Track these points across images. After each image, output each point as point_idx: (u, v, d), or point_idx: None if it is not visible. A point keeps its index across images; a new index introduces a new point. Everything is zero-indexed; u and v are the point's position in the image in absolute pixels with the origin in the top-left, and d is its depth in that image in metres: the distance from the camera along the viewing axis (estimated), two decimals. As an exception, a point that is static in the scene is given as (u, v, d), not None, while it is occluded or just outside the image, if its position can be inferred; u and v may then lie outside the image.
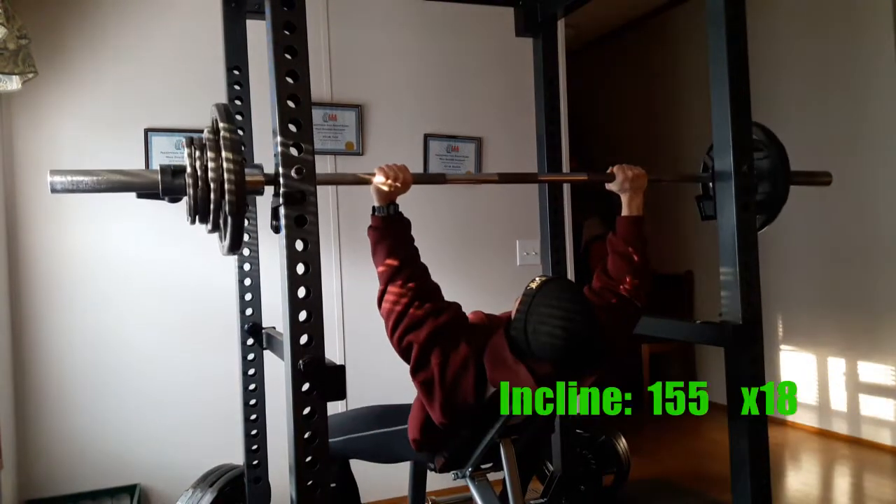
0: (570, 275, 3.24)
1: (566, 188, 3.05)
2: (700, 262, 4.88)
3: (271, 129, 1.32)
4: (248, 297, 2.22)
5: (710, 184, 2.00)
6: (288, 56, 1.31)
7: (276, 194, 1.32)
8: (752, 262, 1.76)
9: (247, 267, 2.21)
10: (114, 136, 2.77)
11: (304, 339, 1.31)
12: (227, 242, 1.32)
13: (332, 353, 2.97)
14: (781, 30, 4.20)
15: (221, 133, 1.28)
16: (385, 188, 1.62)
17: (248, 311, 2.23)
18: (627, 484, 2.79)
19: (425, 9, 3.27)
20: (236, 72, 2.20)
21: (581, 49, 5.64)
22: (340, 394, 1.33)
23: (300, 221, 1.30)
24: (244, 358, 2.23)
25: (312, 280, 1.32)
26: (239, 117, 2.22)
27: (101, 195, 2.72)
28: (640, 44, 5.42)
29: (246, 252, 2.22)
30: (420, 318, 1.60)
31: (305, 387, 1.31)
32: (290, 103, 1.31)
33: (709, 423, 4.44)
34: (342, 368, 1.33)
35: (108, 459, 2.73)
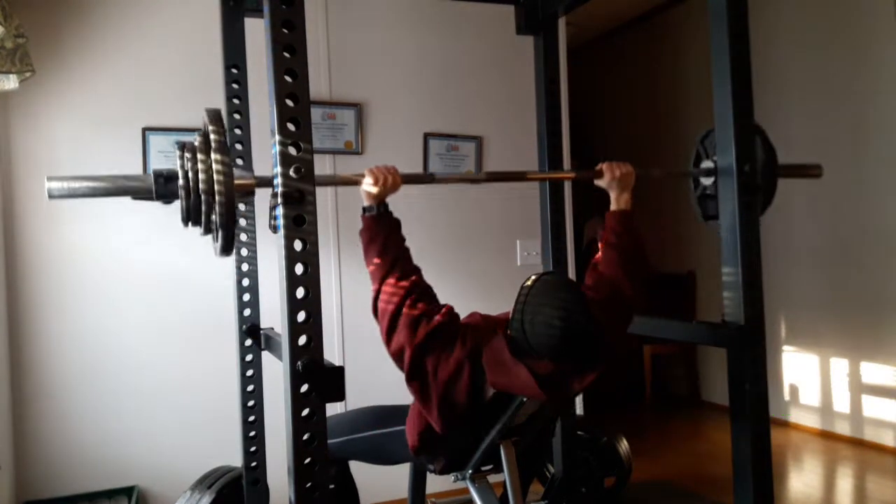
0: (572, 275, 3.23)
1: (567, 188, 3.04)
2: (702, 262, 4.87)
3: (270, 127, 1.31)
4: (246, 297, 2.21)
5: (700, 179, 2.00)
6: (286, 54, 1.30)
7: (274, 194, 1.31)
8: (755, 262, 1.75)
9: (245, 267, 2.20)
10: (111, 135, 2.76)
11: (302, 339, 1.30)
12: (219, 244, 1.34)
13: (331, 354, 2.96)
14: (783, 28, 4.19)
15: (211, 138, 1.30)
16: (374, 190, 1.63)
17: (247, 312, 2.22)
18: (629, 486, 2.78)
19: (425, 7, 3.26)
20: (235, 70, 2.19)
21: (582, 47, 5.63)
22: (339, 395, 1.32)
23: (299, 221, 1.29)
24: (242, 359, 2.21)
25: (311, 280, 1.30)
26: (237, 116, 2.21)
27: (99, 195, 2.73)
28: (642, 42, 5.41)
29: (244, 252, 2.20)
30: (414, 319, 1.59)
31: (304, 388, 1.29)
32: (289, 102, 1.30)
33: (711, 425, 4.44)
34: (341, 369, 1.32)
35: (105, 461, 2.72)
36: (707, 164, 1.99)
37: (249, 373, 2.21)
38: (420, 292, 1.63)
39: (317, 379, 1.30)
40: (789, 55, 4.15)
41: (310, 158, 1.31)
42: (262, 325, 2.23)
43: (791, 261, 4.13)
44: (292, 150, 1.29)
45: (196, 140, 1.33)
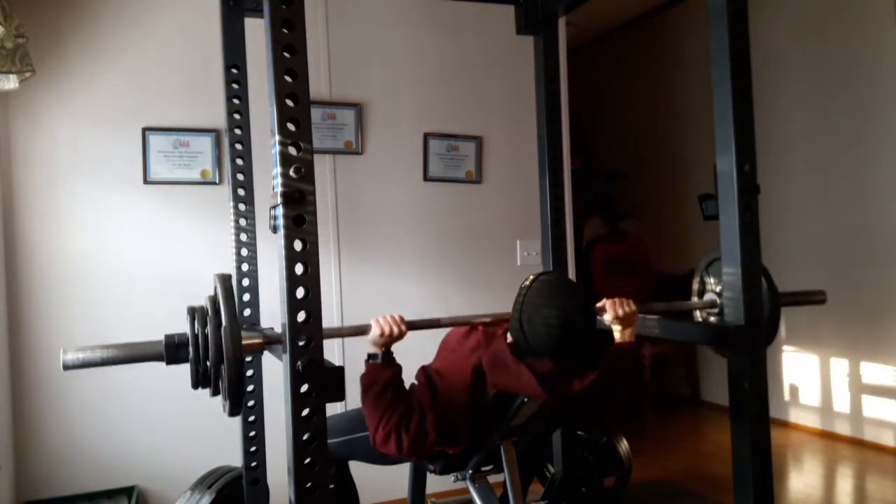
0: (572, 275, 3.23)
1: (567, 188, 3.04)
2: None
3: (269, 127, 1.31)
4: (246, 297, 2.21)
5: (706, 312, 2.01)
6: (286, 54, 1.30)
7: (274, 194, 1.31)
8: (755, 262, 1.75)
9: (245, 267, 2.20)
10: (112, 135, 2.76)
11: (302, 339, 1.30)
12: (227, 406, 1.41)
13: (331, 354, 2.95)
14: (783, 28, 4.19)
15: (221, 307, 1.37)
16: (380, 340, 1.67)
17: (247, 312, 2.22)
18: (629, 486, 2.78)
19: (425, 7, 3.26)
20: (235, 70, 2.19)
21: (583, 47, 5.62)
22: (339, 395, 1.33)
23: (299, 221, 1.29)
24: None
25: (311, 280, 1.30)
26: (237, 116, 2.21)
27: (98, 189, 2.73)
28: (642, 42, 5.41)
29: (244, 252, 2.21)
30: (417, 431, 1.64)
31: (304, 388, 1.30)
32: (289, 102, 1.30)
33: (711, 425, 4.43)
34: (341, 369, 1.33)
35: (105, 461, 2.72)
36: (710, 297, 1.99)
37: (249, 373, 2.22)
38: (407, 414, 1.66)
39: (317, 379, 1.30)
40: (789, 52, 4.15)
41: (310, 158, 1.31)
42: (263, 325, 2.23)
43: (791, 261, 4.13)
44: (292, 150, 1.30)
45: (206, 304, 1.42)
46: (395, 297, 3.09)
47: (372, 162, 3.16)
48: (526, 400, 1.68)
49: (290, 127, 1.29)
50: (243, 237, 2.21)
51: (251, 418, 2.21)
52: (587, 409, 1.86)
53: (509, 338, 1.71)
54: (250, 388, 2.21)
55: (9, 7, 2.09)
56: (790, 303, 2.05)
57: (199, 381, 1.41)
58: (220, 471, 2.34)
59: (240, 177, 2.23)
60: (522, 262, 3.41)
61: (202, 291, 2.88)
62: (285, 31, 1.30)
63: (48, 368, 2.67)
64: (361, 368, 1.68)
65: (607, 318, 1.84)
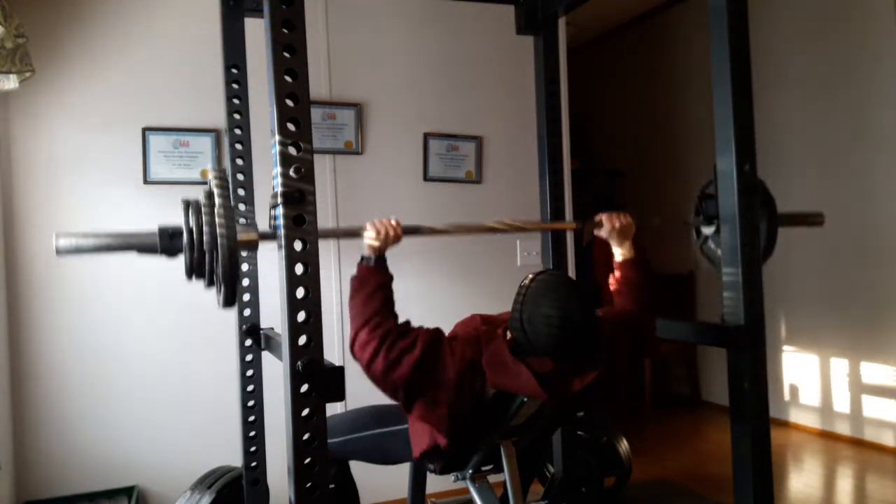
0: (572, 275, 3.23)
1: (567, 189, 3.04)
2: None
3: (269, 127, 1.30)
4: (246, 297, 2.21)
5: (701, 228, 2.00)
6: (286, 54, 1.30)
7: (274, 194, 1.31)
8: (755, 262, 1.74)
9: (245, 267, 2.20)
10: (111, 135, 2.76)
11: (302, 339, 1.30)
12: (221, 298, 1.38)
13: (331, 354, 2.95)
14: (783, 28, 4.19)
15: (216, 199, 1.34)
16: (375, 242, 1.65)
17: (247, 312, 2.22)
18: (629, 486, 2.78)
19: (425, 6, 3.26)
20: (235, 70, 2.19)
21: (583, 47, 5.62)
22: (339, 395, 1.32)
23: (299, 221, 1.29)
24: (242, 359, 2.21)
25: (311, 280, 1.30)
26: (237, 116, 2.21)
27: (98, 189, 2.73)
28: (642, 42, 5.41)
29: (244, 252, 2.20)
30: (395, 359, 1.60)
31: (304, 388, 1.29)
32: (289, 102, 1.29)
33: (711, 425, 4.43)
34: (341, 369, 1.32)
35: (105, 461, 2.72)
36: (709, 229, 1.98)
37: (249, 373, 2.22)
38: (397, 335, 1.63)
39: (317, 379, 1.30)
40: (788, 50, 4.15)
41: (310, 158, 1.31)
42: (262, 326, 2.23)
43: (791, 260, 4.13)
44: (292, 150, 1.29)
45: (201, 198, 1.38)
46: (395, 296, 3.08)
47: (372, 162, 3.16)
48: (526, 400, 1.68)
49: (290, 127, 1.29)
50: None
51: (251, 418, 2.21)
52: (587, 408, 1.86)
53: (509, 335, 1.71)
54: (250, 388, 2.21)
55: (9, 7, 2.09)
56: (788, 223, 2.04)
57: (192, 269, 1.37)
58: (220, 471, 2.34)
59: (240, 177, 2.23)
60: (522, 262, 3.41)
61: (201, 292, 2.89)
62: (285, 31, 1.30)
63: (48, 369, 2.67)
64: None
65: (604, 232, 1.89)
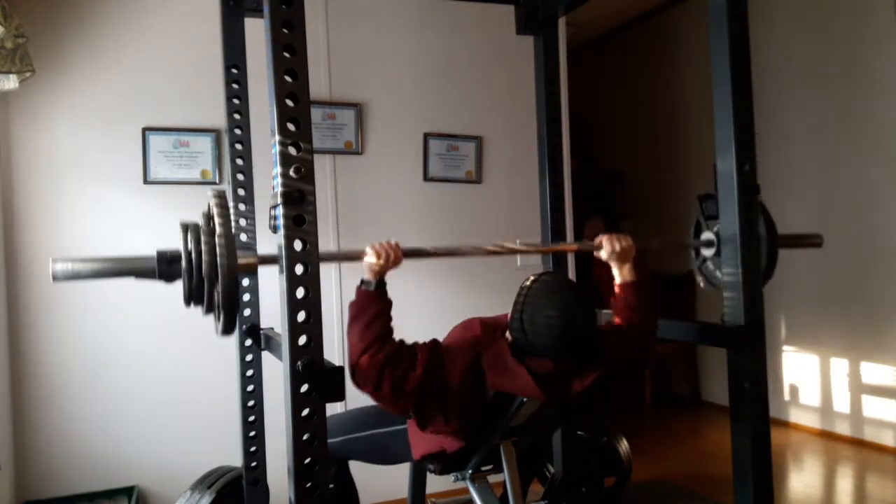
0: (572, 275, 3.23)
1: (567, 189, 3.04)
2: (701, 262, 4.86)
3: (269, 127, 1.30)
4: (246, 297, 2.21)
5: (700, 250, 2.00)
6: (286, 54, 1.30)
7: (274, 194, 1.31)
8: (755, 262, 1.74)
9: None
10: (111, 136, 2.76)
11: (302, 339, 1.30)
12: (220, 325, 1.37)
13: (331, 354, 2.95)
14: (783, 28, 4.19)
15: (216, 225, 1.31)
16: (375, 266, 1.65)
17: (247, 312, 2.22)
18: (629, 486, 2.78)
19: (425, 7, 3.26)
20: (235, 70, 2.19)
21: (583, 47, 5.62)
22: (339, 395, 1.32)
23: (299, 221, 1.29)
24: (242, 359, 2.21)
25: (311, 280, 1.30)
26: (237, 116, 2.21)
27: (98, 189, 2.73)
28: (642, 42, 5.41)
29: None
30: (401, 377, 1.61)
31: (304, 388, 1.29)
32: (289, 102, 1.29)
33: (711, 425, 4.43)
34: (341, 369, 1.32)
35: (105, 461, 2.72)
36: (707, 235, 1.97)
37: (249, 373, 2.21)
38: (397, 356, 1.63)
39: (317, 379, 1.30)
40: (788, 49, 4.15)
41: (310, 158, 1.31)
42: (262, 326, 2.23)
43: (791, 260, 4.12)
44: (292, 150, 1.29)
45: (200, 221, 1.36)
46: (395, 297, 3.07)
47: (372, 162, 3.16)
48: (525, 400, 1.68)
49: (290, 127, 1.29)
50: (243, 237, 2.21)
51: (251, 418, 2.21)
52: (588, 408, 1.86)
53: (509, 337, 1.71)
54: (250, 388, 2.20)
55: (9, 7, 2.09)
56: (788, 245, 2.04)
57: (191, 296, 1.35)
58: (220, 471, 2.34)
59: (240, 177, 2.23)
60: (522, 263, 3.41)
61: (202, 291, 2.89)
62: (285, 31, 1.30)
63: (48, 369, 2.67)
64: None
65: (604, 254, 1.87)
